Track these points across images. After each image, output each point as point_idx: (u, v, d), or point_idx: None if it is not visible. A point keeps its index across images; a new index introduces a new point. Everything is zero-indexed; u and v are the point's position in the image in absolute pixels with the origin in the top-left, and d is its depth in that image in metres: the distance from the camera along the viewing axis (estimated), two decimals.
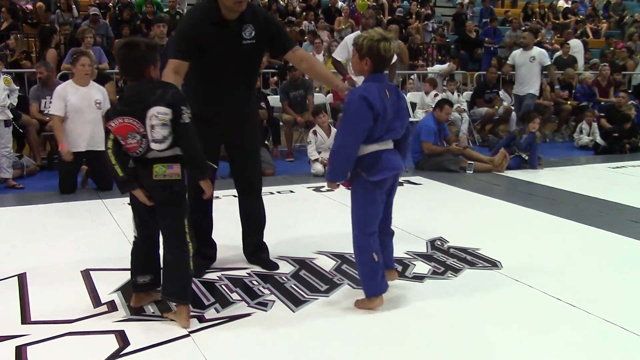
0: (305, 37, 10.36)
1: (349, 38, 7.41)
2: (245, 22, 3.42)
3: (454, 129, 7.95)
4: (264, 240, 3.87)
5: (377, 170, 3.01)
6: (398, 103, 3.09)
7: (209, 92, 3.51)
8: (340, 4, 13.61)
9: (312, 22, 11.68)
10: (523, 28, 14.23)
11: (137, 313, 3.08)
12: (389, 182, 3.11)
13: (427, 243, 4.30)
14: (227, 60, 3.44)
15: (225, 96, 3.52)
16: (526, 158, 7.37)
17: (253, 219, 3.82)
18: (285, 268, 3.75)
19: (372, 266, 3.08)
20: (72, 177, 5.95)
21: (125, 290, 3.35)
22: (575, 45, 13.05)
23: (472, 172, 7.04)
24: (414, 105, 9.95)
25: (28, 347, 2.71)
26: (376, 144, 3.02)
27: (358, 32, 7.44)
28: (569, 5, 16.96)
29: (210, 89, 3.50)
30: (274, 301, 3.24)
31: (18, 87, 6.74)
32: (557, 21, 15.92)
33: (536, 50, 9.28)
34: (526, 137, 7.39)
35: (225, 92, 3.51)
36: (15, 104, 6.38)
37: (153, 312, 3.09)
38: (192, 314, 3.04)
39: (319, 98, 9.16)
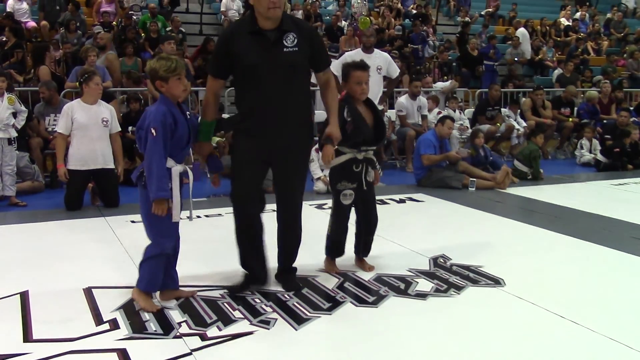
0: None
1: (349, 54, 7.48)
2: (286, 30, 3.39)
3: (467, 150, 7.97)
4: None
5: None
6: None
7: (252, 103, 3.45)
8: (343, 22, 13.68)
9: None
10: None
11: (139, 331, 3.08)
12: None
13: (429, 260, 4.29)
14: (267, 68, 3.35)
15: (270, 109, 3.41)
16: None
17: (289, 241, 3.84)
18: None
19: None
20: (79, 193, 5.96)
21: (127, 308, 3.35)
22: (523, 35, 14.50)
23: (474, 189, 7.04)
24: None
25: None
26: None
27: (359, 50, 7.51)
28: (570, 23, 17.02)
29: (253, 100, 3.44)
30: (276, 319, 3.23)
31: (26, 110, 6.75)
32: (559, 39, 15.99)
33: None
34: (484, 151, 7.78)
35: (268, 103, 3.40)
36: (19, 126, 6.39)
37: (155, 330, 3.09)
38: (193, 332, 3.04)
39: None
